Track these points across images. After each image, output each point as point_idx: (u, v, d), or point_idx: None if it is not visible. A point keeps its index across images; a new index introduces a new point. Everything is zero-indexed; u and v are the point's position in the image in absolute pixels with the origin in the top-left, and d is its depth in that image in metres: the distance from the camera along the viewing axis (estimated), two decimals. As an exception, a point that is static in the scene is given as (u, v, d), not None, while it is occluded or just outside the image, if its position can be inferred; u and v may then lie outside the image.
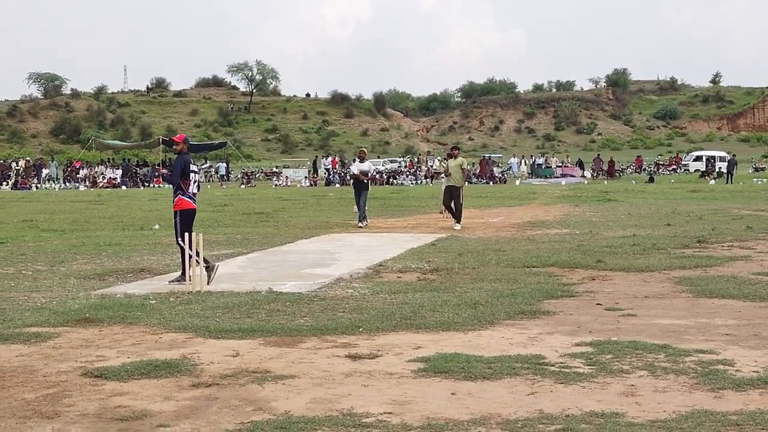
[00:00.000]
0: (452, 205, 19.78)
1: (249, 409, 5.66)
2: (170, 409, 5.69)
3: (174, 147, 12.25)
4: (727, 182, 46.30)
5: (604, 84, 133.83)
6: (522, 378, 6.33)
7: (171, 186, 11.87)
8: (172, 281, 11.21)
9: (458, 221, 19.60)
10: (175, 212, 11.61)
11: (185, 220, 11.55)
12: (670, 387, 6.04)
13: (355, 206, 21.24)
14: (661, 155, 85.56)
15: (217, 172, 60.78)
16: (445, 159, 26.24)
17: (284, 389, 6.13)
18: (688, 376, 6.30)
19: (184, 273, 11.13)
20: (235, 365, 6.82)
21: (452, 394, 5.96)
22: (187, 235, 10.91)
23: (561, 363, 6.74)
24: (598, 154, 67.30)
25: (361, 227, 20.17)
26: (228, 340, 7.78)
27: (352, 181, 22.68)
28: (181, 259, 11.44)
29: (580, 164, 62.69)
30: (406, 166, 62.63)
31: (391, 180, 54.64)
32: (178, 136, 12.29)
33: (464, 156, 25.65)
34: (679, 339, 7.58)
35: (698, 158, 68.76)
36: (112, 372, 6.59)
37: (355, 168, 21.96)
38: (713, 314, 8.81)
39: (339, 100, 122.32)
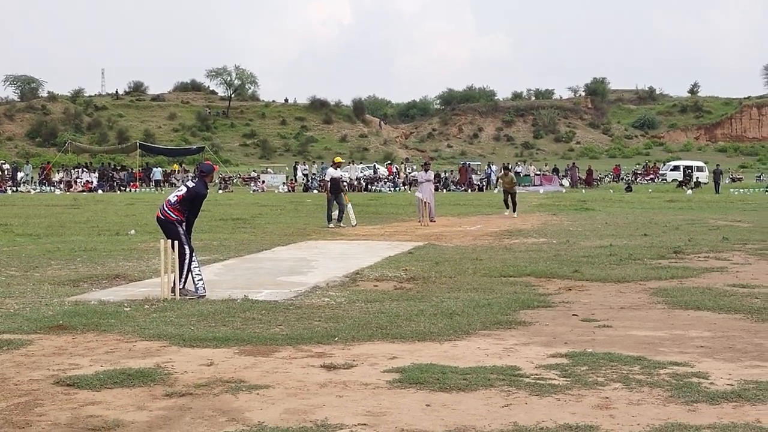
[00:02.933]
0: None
1: (222, 420, 5.61)
2: (143, 419, 5.64)
3: None
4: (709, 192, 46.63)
5: (583, 93, 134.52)
6: (497, 389, 6.31)
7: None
8: None
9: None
10: None
11: None
12: (645, 400, 6.04)
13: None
14: (639, 164, 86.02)
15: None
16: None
17: (258, 399, 6.09)
18: (662, 388, 6.31)
19: None
20: (209, 374, 6.76)
21: (427, 405, 5.94)
22: None
23: (536, 374, 6.73)
24: (573, 163, 67.45)
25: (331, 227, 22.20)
26: (202, 348, 7.72)
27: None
28: None
29: (568, 169, 63.00)
30: (386, 173, 62.57)
31: (369, 186, 54.65)
32: None
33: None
34: (654, 351, 7.60)
35: (676, 168, 69.28)
36: (84, 381, 6.52)
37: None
38: (688, 326, 8.84)
39: (318, 105, 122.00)
